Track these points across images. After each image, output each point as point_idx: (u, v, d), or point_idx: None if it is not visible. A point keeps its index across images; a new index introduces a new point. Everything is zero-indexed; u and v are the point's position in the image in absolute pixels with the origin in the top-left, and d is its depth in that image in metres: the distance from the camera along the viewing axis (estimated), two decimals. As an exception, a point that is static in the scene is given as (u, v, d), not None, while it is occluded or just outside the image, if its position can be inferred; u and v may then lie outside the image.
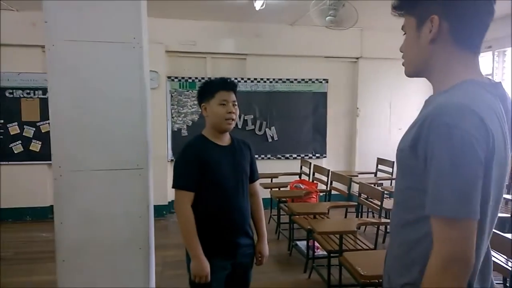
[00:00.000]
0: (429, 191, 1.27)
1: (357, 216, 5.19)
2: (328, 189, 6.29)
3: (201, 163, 2.60)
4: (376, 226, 4.73)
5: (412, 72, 1.57)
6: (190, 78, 7.84)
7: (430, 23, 1.40)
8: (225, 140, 2.78)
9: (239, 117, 7.74)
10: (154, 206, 3.16)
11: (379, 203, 4.64)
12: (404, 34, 1.55)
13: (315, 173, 7.03)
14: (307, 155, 8.42)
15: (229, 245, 2.69)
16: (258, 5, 6.14)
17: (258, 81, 8.13)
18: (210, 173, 2.63)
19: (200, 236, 2.58)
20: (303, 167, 7.60)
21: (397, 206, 1.53)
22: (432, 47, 1.43)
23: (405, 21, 1.53)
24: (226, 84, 2.72)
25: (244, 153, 2.85)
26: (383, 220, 4.67)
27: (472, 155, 1.21)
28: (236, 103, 2.74)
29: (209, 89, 2.72)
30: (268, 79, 8.17)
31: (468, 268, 1.23)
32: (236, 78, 7.94)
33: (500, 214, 1.46)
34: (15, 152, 7.27)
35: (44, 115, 7.17)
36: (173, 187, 2.63)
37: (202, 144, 2.69)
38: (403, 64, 1.58)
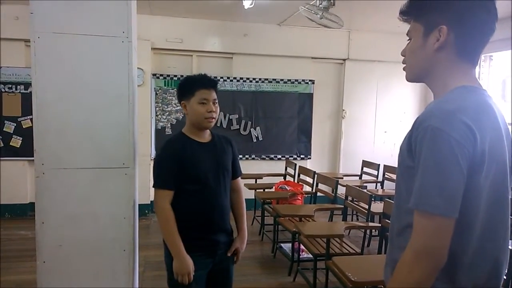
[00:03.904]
0: (415, 186, 1.35)
1: (343, 219, 5.14)
2: (314, 191, 6.23)
3: (180, 161, 2.58)
4: (363, 230, 4.68)
5: (414, 77, 1.62)
6: (175, 76, 7.74)
7: (438, 32, 1.47)
8: (206, 137, 2.76)
9: (224, 117, 7.75)
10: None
11: (366, 206, 4.60)
12: (409, 39, 1.61)
13: (300, 174, 6.98)
14: (292, 156, 8.37)
15: (208, 243, 2.66)
16: (247, 4, 6.08)
17: (244, 81, 8.07)
18: (190, 171, 2.60)
19: (180, 233, 2.55)
20: (288, 168, 7.54)
21: (398, 209, 1.57)
22: (436, 55, 1.50)
23: (411, 27, 1.59)
24: (207, 82, 2.68)
25: (226, 150, 2.81)
26: (370, 224, 4.63)
27: (450, 156, 1.29)
28: (217, 101, 2.71)
29: (189, 86, 2.68)
30: (254, 79, 8.10)
31: (437, 263, 1.31)
32: (222, 77, 7.90)
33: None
34: (-5, 147, 7.11)
35: (26, 110, 7.03)
36: (153, 186, 2.60)
37: (182, 142, 2.66)
38: (404, 69, 1.64)
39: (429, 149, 1.31)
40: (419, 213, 1.33)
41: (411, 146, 1.40)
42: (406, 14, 1.58)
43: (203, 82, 2.67)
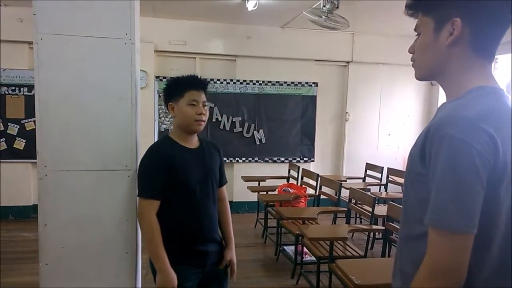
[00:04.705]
0: (431, 200, 1.24)
1: (346, 222, 5.13)
2: (317, 193, 6.22)
3: (169, 167, 2.46)
4: (367, 232, 4.67)
5: (425, 75, 1.50)
6: (179, 78, 7.71)
7: (451, 26, 1.35)
8: (194, 142, 2.65)
9: (227, 119, 7.72)
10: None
11: (369, 209, 4.58)
12: (417, 35, 1.49)
13: (304, 177, 6.97)
14: (295, 159, 8.37)
15: (197, 254, 2.58)
16: (250, 6, 6.10)
17: (248, 83, 8.07)
18: (179, 178, 2.49)
19: (167, 244, 2.45)
20: (291, 170, 7.53)
21: (406, 216, 1.47)
22: (449, 51, 1.39)
23: (419, 21, 1.47)
24: (196, 83, 2.58)
25: (214, 157, 2.72)
26: (374, 226, 4.62)
27: (471, 168, 1.18)
28: (206, 104, 2.61)
29: (178, 87, 2.57)
30: (257, 81, 8.11)
31: (455, 281, 1.21)
32: (225, 80, 7.91)
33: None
34: (-1, 149, 7.13)
35: (29, 112, 7.06)
36: (138, 195, 2.51)
37: (170, 147, 2.55)
38: (413, 66, 1.52)
39: (448, 160, 1.20)
40: (436, 231, 1.23)
41: (424, 153, 1.29)
42: (413, 7, 1.47)
43: (193, 82, 2.57)
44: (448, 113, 1.30)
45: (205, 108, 2.58)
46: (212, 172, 2.67)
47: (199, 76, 2.63)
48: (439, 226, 1.22)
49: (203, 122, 2.57)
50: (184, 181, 2.51)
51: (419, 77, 1.53)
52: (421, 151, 1.31)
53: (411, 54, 1.53)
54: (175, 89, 2.60)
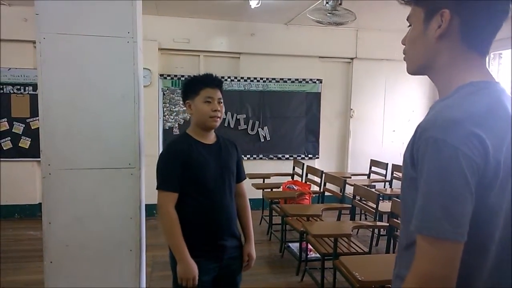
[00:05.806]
0: (417, 206, 1.18)
1: (351, 219, 5.12)
2: (321, 190, 6.22)
3: (185, 162, 2.53)
4: (371, 229, 4.67)
5: (415, 69, 1.43)
6: (182, 76, 7.72)
7: (440, 17, 1.27)
8: (211, 138, 2.70)
9: (232, 117, 7.71)
10: (145, 205, 3.08)
11: (374, 205, 4.58)
12: (409, 26, 1.43)
13: (308, 174, 6.97)
14: (300, 156, 8.36)
15: (215, 247, 2.61)
16: (253, 4, 6.08)
17: (252, 80, 8.06)
18: (195, 173, 2.55)
19: (185, 238, 2.50)
20: (295, 167, 7.53)
21: (405, 223, 1.38)
22: (438, 44, 1.31)
23: (411, 11, 1.40)
24: (211, 81, 2.65)
25: (231, 152, 2.76)
26: (378, 223, 4.61)
27: (457, 172, 1.12)
28: (222, 101, 2.67)
29: (194, 85, 2.64)
30: (261, 79, 8.09)
31: None
32: (229, 77, 7.90)
33: None
34: (4, 148, 7.16)
35: (34, 111, 7.05)
36: (157, 188, 2.56)
37: (187, 143, 2.61)
38: (404, 59, 1.46)
39: (433, 164, 1.14)
40: (423, 238, 1.16)
41: (413, 157, 1.23)
42: None
43: (208, 81, 2.64)
44: (434, 114, 1.23)
45: (221, 105, 2.65)
46: (229, 167, 2.72)
47: (214, 75, 2.69)
48: (425, 233, 1.15)
49: (218, 119, 2.63)
50: (200, 176, 2.57)
51: (409, 71, 1.46)
52: (411, 155, 1.25)
53: (405, 46, 1.47)
54: (191, 87, 2.65)
